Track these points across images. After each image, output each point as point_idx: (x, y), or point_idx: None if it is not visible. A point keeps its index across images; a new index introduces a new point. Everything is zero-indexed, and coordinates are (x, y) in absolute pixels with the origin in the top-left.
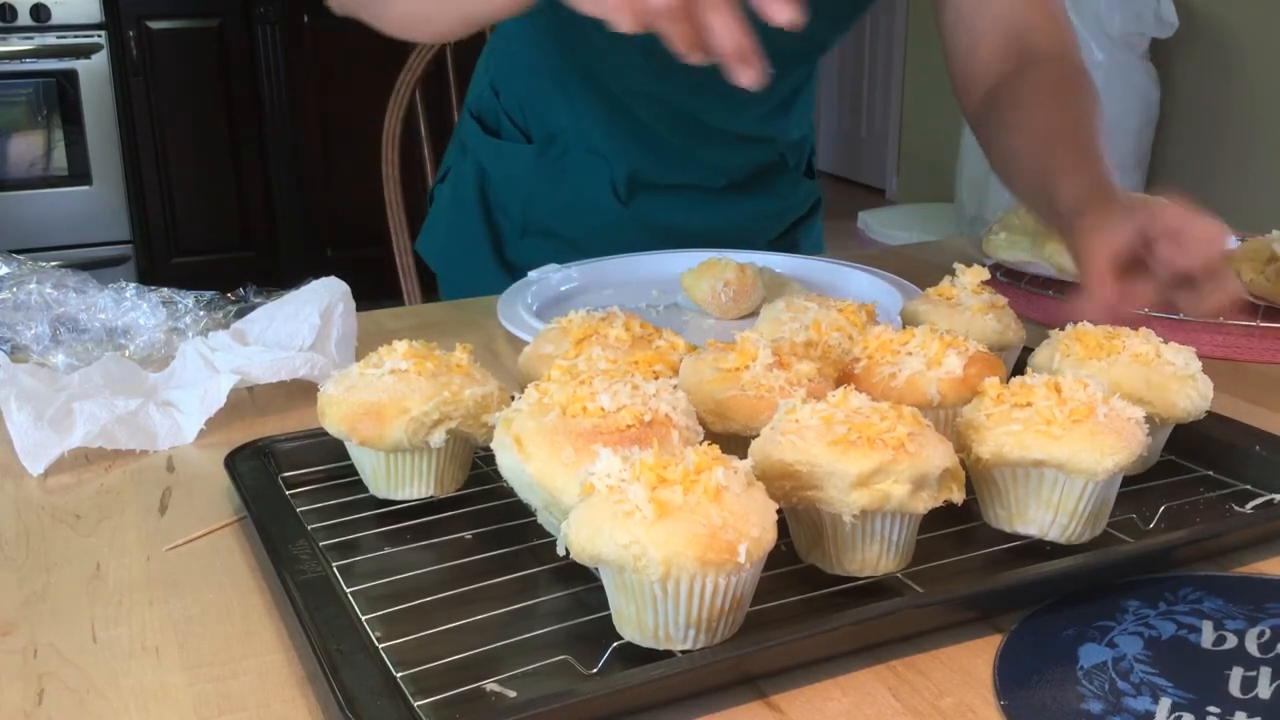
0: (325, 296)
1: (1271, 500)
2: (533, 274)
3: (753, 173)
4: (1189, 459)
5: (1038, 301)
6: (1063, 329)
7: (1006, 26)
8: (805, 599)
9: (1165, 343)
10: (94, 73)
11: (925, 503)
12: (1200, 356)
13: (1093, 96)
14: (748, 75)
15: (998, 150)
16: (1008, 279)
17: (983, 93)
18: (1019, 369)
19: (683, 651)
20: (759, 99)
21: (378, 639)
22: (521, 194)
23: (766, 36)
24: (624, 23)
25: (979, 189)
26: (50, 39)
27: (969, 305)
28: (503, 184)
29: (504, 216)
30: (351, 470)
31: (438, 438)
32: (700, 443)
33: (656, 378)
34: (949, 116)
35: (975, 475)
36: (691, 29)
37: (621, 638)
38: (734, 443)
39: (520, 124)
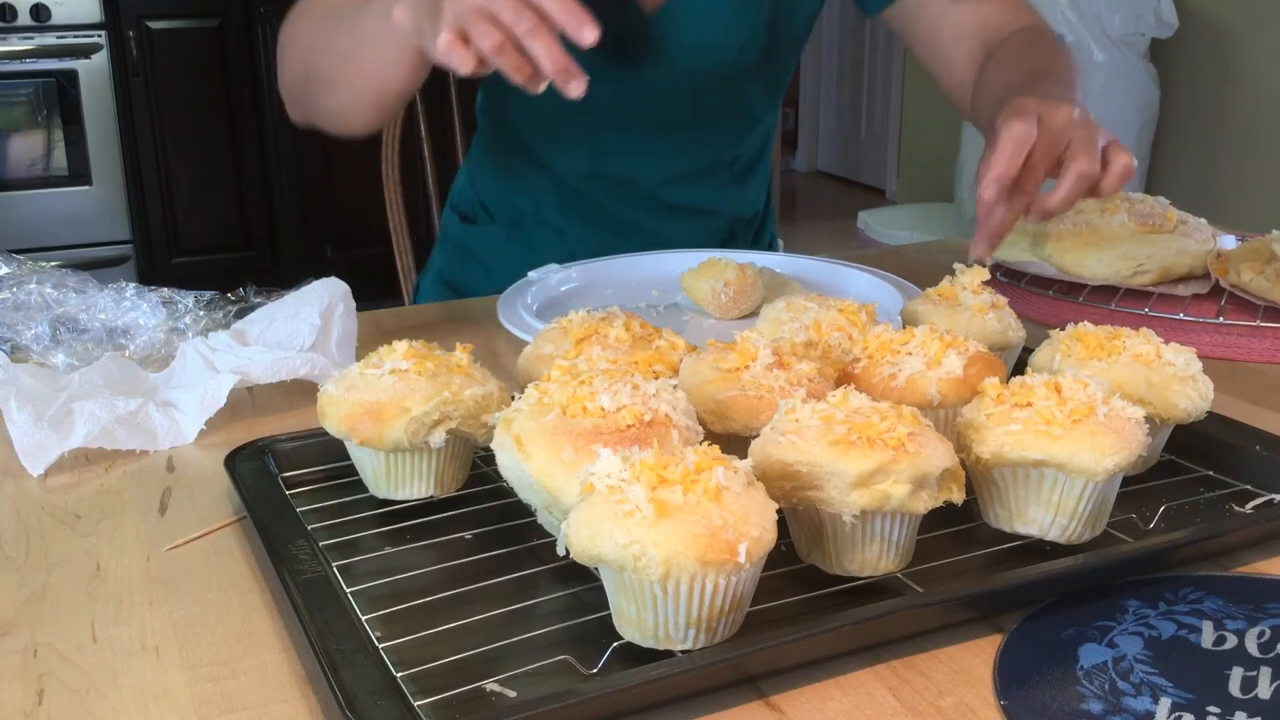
0: (325, 297)
1: (1271, 500)
2: (533, 274)
3: (707, 245)
4: (1189, 459)
5: (1038, 301)
6: (1063, 329)
7: (967, 34)
8: (805, 599)
9: (1166, 343)
10: (94, 73)
11: (925, 503)
12: (1200, 357)
13: (1052, 46)
14: (574, 86)
15: (980, 125)
16: (1008, 279)
17: (969, 94)
18: (1019, 369)
19: (683, 651)
20: (709, 169)
21: (378, 639)
22: (493, 271)
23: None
24: (460, 64)
25: None
26: (50, 39)
27: (969, 305)
28: (477, 263)
29: (478, 291)
30: (351, 470)
31: (438, 438)
32: (700, 443)
33: (656, 378)
34: (949, 116)
35: (975, 475)
36: (519, 59)
37: (621, 638)
38: (734, 443)
39: (491, 210)
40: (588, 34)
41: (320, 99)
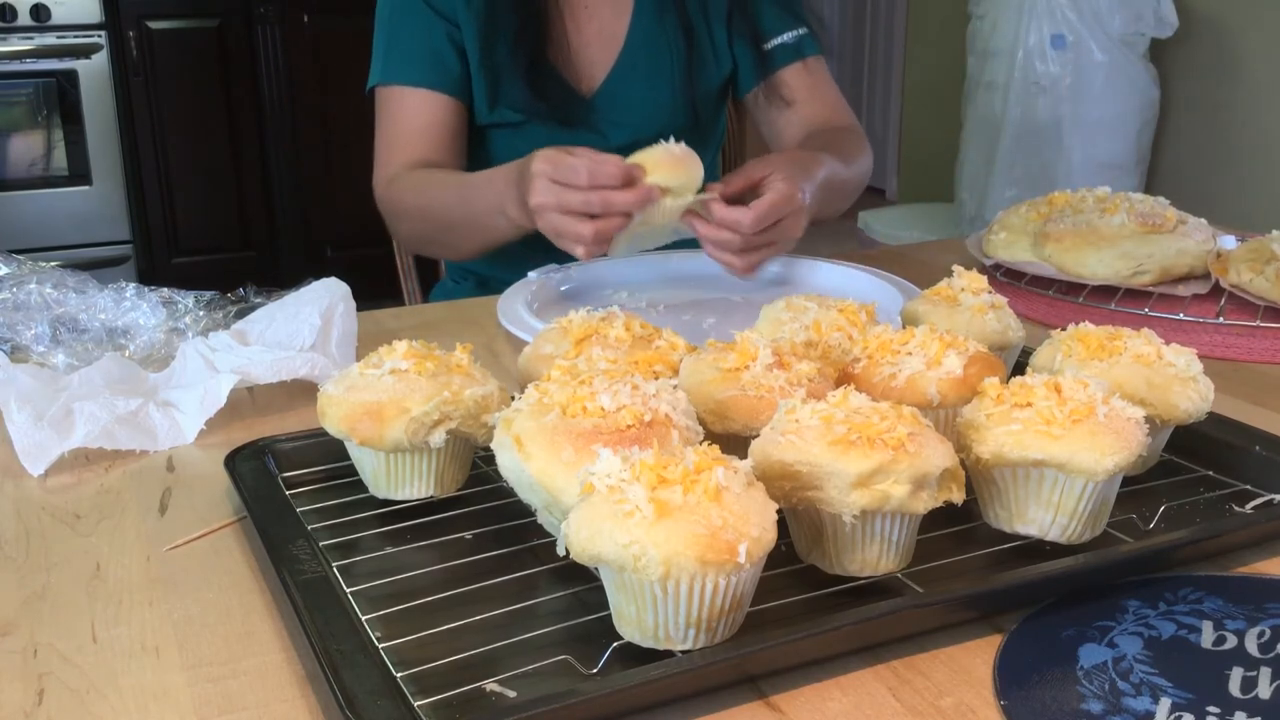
0: (325, 297)
1: (1271, 500)
2: (532, 274)
3: None
4: (1189, 459)
5: (1038, 301)
6: (1063, 329)
7: (797, 125)
8: (805, 599)
9: (1166, 344)
10: (94, 73)
11: (925, 503)
12: (1200, 357)
13: (852, 138)
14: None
15: None
16: (1008, 279)
17: None
18: (1019, 369)
19: (683, 651)
20: None
21: (378, 639)
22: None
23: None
24: (590, 253)
25: (979, 189)
26: (50, 39)
27: (969, 305)
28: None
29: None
30: (351, 470)
31: (438, 438)
32: (700, 443)
33: (656, 378)
34: (949, 117)
35: (975, 475)
36: (605, 226)
37: (621, 638)
38: (734, 443)
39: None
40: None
41: (438, 251)
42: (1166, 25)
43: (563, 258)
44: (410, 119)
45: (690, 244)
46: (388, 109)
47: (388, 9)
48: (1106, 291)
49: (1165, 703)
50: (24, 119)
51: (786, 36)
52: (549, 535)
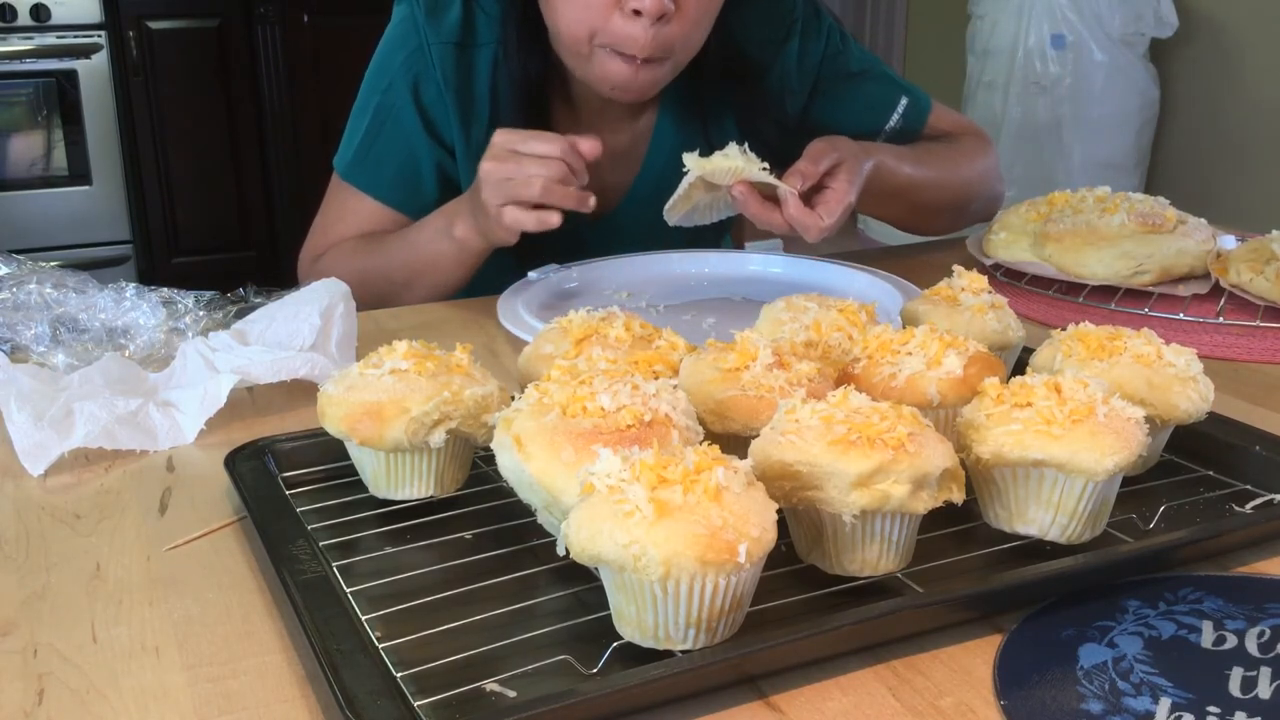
0: (325, 297)
1: (1271, 500)
2: (533, 274)
3: None
4: (1189, 459)
5: (1038, 301)
6: (1063, 329)
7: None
8: (805, 599)
9: (1166, 344)
10: (94, 73)
11: (925, 503)
12: (1200, 357)
13: (945, 147)
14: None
15: None
16: (1008, 279)
17: None
18: (1019, 369)
19: (683, 651)
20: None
21: (378, 639)
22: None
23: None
24: (535, 226)
25: None
26: (50, 39)
27: (969, 305)
28: None
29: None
30: (351, 470)
31: (438, 438)
32: (700, 443)
33: (656, 378)
34: None
35: (975, 475)
36: (562, 190)
37: (621, 638)
38: (734, 443)
39: None
40: (591, 146)
41: (385, 304)
42: (1166, 25)
43: (563, 258)
44: (361, 223)
45: (691, 244)
46: (340, 201)
47: (376, 100)
48: (1106, 291)
49: (1165, 703)
50: (24, 119)
51: (894, 120)
52: (549, 535)
